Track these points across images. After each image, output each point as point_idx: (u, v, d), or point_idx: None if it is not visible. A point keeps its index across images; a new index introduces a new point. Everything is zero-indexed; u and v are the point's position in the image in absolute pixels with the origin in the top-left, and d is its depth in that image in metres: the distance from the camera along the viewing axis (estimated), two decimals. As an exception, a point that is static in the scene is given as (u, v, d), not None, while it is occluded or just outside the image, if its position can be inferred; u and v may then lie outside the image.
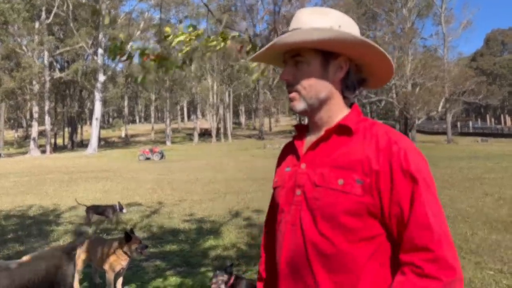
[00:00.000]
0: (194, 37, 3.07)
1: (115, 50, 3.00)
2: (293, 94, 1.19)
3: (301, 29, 1.13)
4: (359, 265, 1.08)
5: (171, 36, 3.01)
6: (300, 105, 1.19)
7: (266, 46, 1.19)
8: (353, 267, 1.08)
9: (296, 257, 1.14)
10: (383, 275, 1.09)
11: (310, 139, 1.24)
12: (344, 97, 1.21)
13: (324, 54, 1.16)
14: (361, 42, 1.13)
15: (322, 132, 1.20)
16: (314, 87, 1.17)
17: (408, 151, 1.08)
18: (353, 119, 1.17)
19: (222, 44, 3.17)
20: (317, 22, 1.15)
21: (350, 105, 1.25)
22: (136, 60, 3.22)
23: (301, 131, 1.31)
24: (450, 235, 1.04)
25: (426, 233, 1.01)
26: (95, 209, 7.75)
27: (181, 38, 3.01)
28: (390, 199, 1.06)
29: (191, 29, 3.05)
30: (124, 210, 7.77)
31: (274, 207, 1.34)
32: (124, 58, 3.09)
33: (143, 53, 3.04)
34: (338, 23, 1.15)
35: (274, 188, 1.33)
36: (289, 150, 1.34)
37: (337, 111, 1.20)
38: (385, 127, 1.15)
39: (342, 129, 1.16)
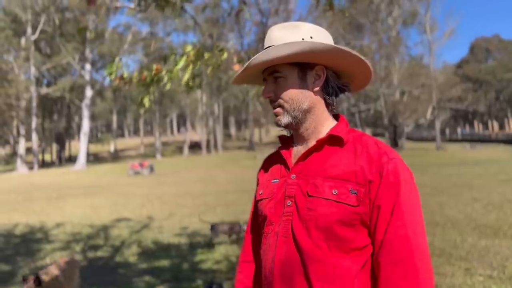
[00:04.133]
0: (193, 59, 3.04)
1: (112, 72, 2.97)
2: (277, 109, 1.21)
3: (273, 46, 1.15)
4: (353, 274, 1.09)
5: (172, 58, 2.99)
6: (285, 119, 1.20)
7: (243, 68, 1.22)
8: (347, 277, 1.08)
9: (291, 268, 1.13)
10: (373, 284, 1.11)
11: (298, 149, 1.24)
12: (328, 105, 1.23)
13: (300, 66, 1.18)
14: (332, 48, 1.15)
15: (310, 143, 1.21)
16: (296, 99, 1.18)
17: (396, 162, 1.11)
18: (343, 130, 1.19)
19: (223, 57, 3.15)
20: (289, 37, 1.17)
21: (335, 116, 1.26)
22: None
23: (285, 142, 1.31)
24: (425, 247, 1.07)
25: (402, 244, 1.05)
26: (220, 227, 7.02)
27: (181, 64, 2.99)
28: (372, 206, 1.09)
29: (189, 49, 3.02)
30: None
31: (259, 219, 1.32)
32: (122, 83, 3.05)
33: (140, 73, 3.01)
34: (310, 35, 1.18)
35: (259, 200, 1.31)
36: (274, 162, 1.33)
37: (322, 121, 1.22)
38: (374, 139, 1.18)
39: (333, 140, 1.18)
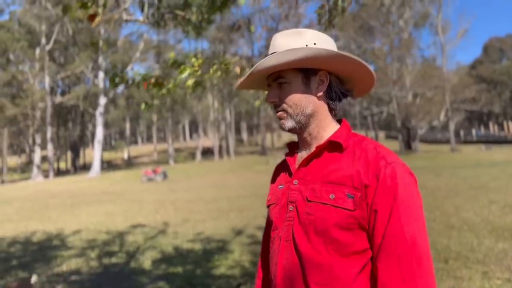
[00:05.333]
0: (198, 68, 3.10)
1: (115, 78, 3.04)
2: (281, 113, 1.24)
3: (278, 52, 1.17)
4: (352, 278, 1.09)
5: (174, 62, 3.05)
6: (288, 123, 1.22)
7: (247, 74, 1.24)
8: (346, 280, 1.09)
9: (291, 273, 1.15)
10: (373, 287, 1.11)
11: (302, 155, 1.27)
12: (331, 110, 1.25)
13: (304, 72, 1.20)
14: (335, 54, 1.16)
15: (312, 148, 1.24)
16: (299, 104, 1.20)
17: (394, 166, 1.10)
18: (343, 135, 1.21)
19: (226, 72, 3.20)
20: (293, 44, 1.19)
21: (339, 120, 1.29)
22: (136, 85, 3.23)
23: (292, 148, 1.34)
24: (425, 252, 1.06)
25: (399, 249, 1.04)
26: None
27: (187, 73, 3.05)
28: (370, 211, 1.09)
29: (194, 60, 3.08)
30: None
31: (269, 225, 1.36)
32: (124, 86, 3.12)
33: (144, 79, 3.07)
34: (313, 41, 1.20)
35: (268, 206, 1.35)
36: (282, 169, 1.37)
37: (325, 125, 1.24)
38: (374, 143, 1.19)
39: (333, 145, 1.19)
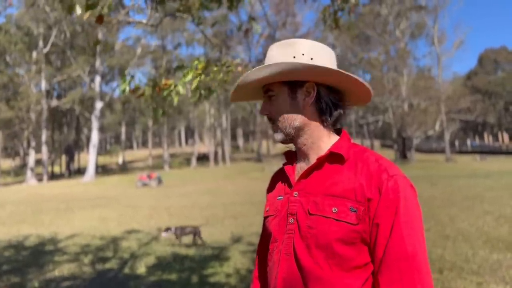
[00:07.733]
0: (200, 72, 3.07)
1: (126, 85, 3.00)
2: (273, 126, 1.25)
3: (255, 69, 1.17)
4: None
5: (179, 67, 3.03)
6: (278, 136, 1.23)
7: (233, 87, 1.25)
8: None
9: (292, 286, 1.13)
10: None
11: (301, 166, 1.25)
12: (322, 121, 1.21)
13: (290, 84, 1.19)
14: (312, 67, 1.13)
15: (311, 158, 1.21)
16: (287, 117, 1.20)
17: (396, 179, 1.09)
18: (344, 146, 1.18)
19: (228, 77, 3.17)
20: (283, 56, 1.18)
21: (338, 130, 1.26)
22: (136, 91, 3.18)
23: (290, 157, 1.31)
24: (425, 266, 1.05)
25: (400, 263, 1.04)
26: (182, 230, 8.17)
27: (189, 77, 3.02)
28: (372, 224, 1.08)
29: (196, 62, 3.05)
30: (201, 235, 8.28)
31: (265, 236, 1.33)
32: (137, 94, 3.08)
33: (155, 85, 3.03)
34: (302, 52, 1.17)
35: (266, 217, 1.32)
36: (279, 178, 1.34)
37: (319, 136, 1.21)
38: (375, 154, 1.17)
39: (334, 157, 1.17)
